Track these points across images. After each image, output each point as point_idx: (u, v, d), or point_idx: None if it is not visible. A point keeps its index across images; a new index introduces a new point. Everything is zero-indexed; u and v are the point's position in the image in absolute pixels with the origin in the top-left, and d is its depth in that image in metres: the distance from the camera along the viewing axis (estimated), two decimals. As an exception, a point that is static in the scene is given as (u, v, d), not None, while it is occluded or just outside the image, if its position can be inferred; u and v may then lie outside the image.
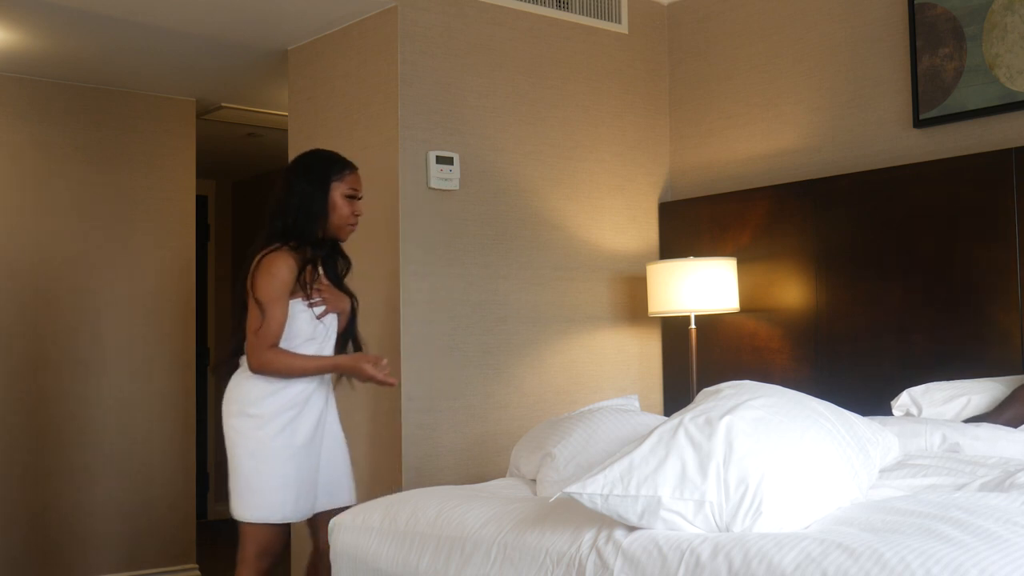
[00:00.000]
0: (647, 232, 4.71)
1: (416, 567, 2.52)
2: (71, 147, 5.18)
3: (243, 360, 3.12)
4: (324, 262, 3.20)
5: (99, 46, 4.61)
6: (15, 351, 4.99)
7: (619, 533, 2.14)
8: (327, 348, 3.19)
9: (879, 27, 4.06)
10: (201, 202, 6.93)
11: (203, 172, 6.39)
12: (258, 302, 3.02)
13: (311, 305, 3.10)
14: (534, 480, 3.10)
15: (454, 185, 4.10)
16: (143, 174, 5.39)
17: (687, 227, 4.62)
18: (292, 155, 4.53)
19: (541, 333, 4.33)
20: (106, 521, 5.16)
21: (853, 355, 3.98)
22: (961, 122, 3.80)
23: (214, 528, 6.97)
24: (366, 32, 4.21)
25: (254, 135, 6.17)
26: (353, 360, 3.14)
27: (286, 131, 4.73)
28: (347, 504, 3.23)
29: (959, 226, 3.71)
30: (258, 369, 3.04)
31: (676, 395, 4.60)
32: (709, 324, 4.42)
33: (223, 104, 5.59)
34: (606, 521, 2.19)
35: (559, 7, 4.46)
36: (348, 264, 3.30)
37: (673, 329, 4.61)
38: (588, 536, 2.20)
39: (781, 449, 2.12)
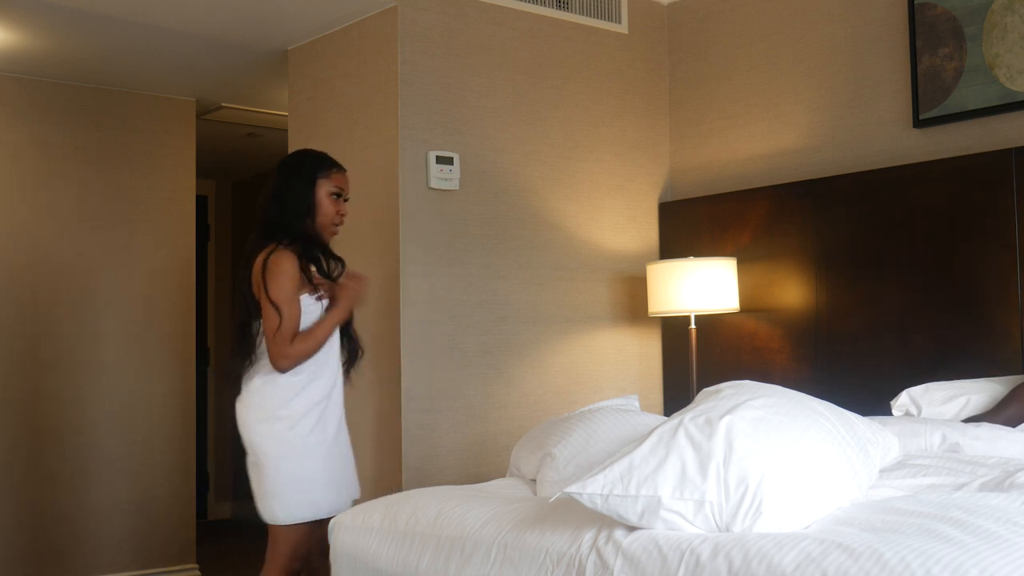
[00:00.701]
0: (647, 232, 4.71)
1: (416, 567, 2.52)
2: (71, 147, 5.18)
3: (260, 366, 3.12)
4: (315, 260, 3.23)
5: (99, 46, 4.61)
6: (15, 351, 4.99)
7: (619, 533, 2.14)
8: (336, 341, 3.23)
9: (879, 27, 4.06)
10: (201, 202, 6.93)
11: (203, 172, 6.39)
12: (274, 303, 3.03)
13: (319, 299, 3.13)
14: (534, 480, 3.10)
15: (454, 185, 4.10)
16: (143, 174, 5.39)
17: (687, 227, 4.62)
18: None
19: (541, 333, 4.33)
20: (106, 521, 5.16)
21: (853, 355, 3.98)
22: (961, 122, 3.80)
23: (214, 528, 6.97)
24: (366, 32, 4.21)
25: (254, 135, 6.17)
26: (343, 296, 3.15)
27: (286, 131, 4.73)
28: (357, 496, 3.29)
29: (959, 226, 3.71)
30: (289, 366, 3.05)
31: (676, 395, 4.60)
32: (709, 324, 4.42)
33: (223, 104, 5.59)
34: (606, 521, 2.19)
35: (559, 7, 4.46)
36: (341, 264, 3.30)
37: (673, 329, 4.61)
38: (588, 536, 2.20)
39: (781, 449, 2.12)
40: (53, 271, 5.10)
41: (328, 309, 3.16)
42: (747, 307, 4.34)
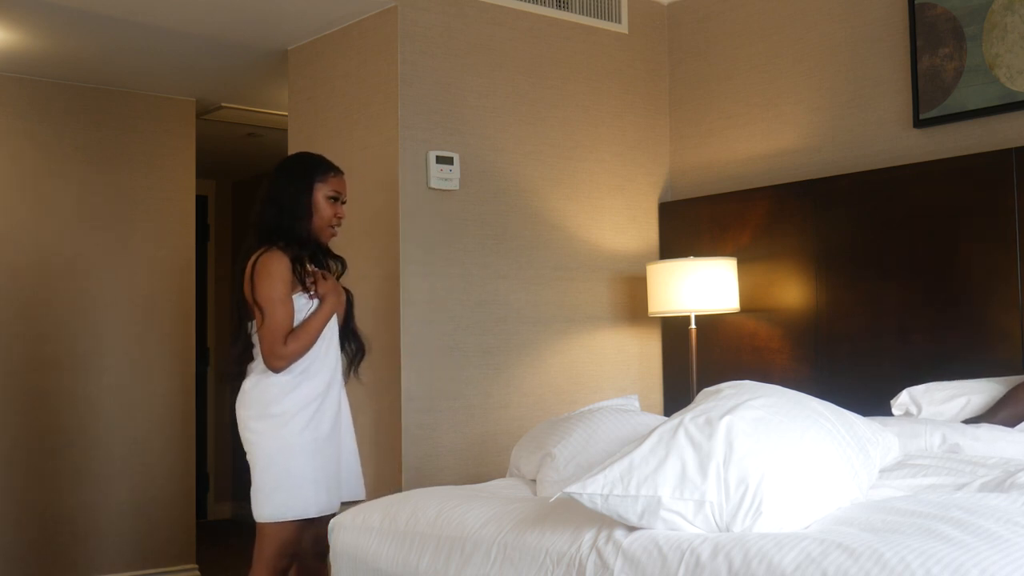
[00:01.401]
0: (647, 232, 4.71)
1: (416, 567, 2.52)
2: (71, 147, 5.18)
3: (254, 364, 3.13)
4: (313, 260, 3.24)
5: (99, 46, 4.61)
6: (15, 351, 4.99)
7: (619, 533, 2.14)
8: (334, 340, 3.22)
9: (879, 27, 4.06)
10: (201, 202, 6.93)
11: (203, 172, 6.39)
12: (260, 304, 3.04)
13: (312, 297, 3.13)
14: (534, 480, 3.10)
15: (454, 185, 4.10)
16: (143, 174, 5.39)
17: (687, 227, 4.62)
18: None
19: (541, 333, 4.33)
20: (106, 521, 5.16)
21: (853, 355, 3.98)
22: (961, 122, 3.80)
23: (214, 528, 6.97)
24: (366, 32, 4.21)
25: (254, 135, 6.17)
26: (330, 292, 3.16)
27: (286, 131, 4.73)
28: (359, 497, 3.28)
29: (959, 226, 3.71)
30: (283, 366, 3.06)
31: (676, 395, 4.60)
32: (709, 324, 4.42)
33: (223, 104, 5.59)
34: (606, 521, 2.19)
35: (559, 7, 4.46)
36: (342, 264, 3.32)
37: (673, 329, 4.61)
38: (588, 536, 2.20)
39: (781, 449, 2.12)
40: (53, 271, 5.10)
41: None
42: (747, 307, 4.34)
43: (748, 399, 2.26)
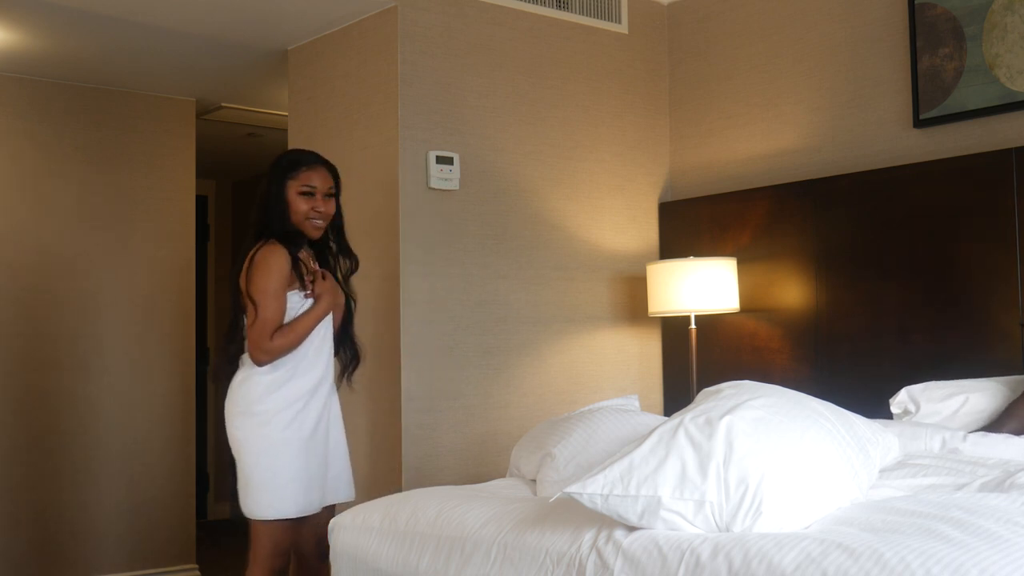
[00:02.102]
0: (647, 232, 4.71)
1: (416, 567, 2.52)
2: (71, 147, 5.18)
3: (243, 361, 3.13)
4: (320, 257, 3.25)
5: (99, 46, 4.61)
6: (15, 351, 4.99)
7: (619, 533, 2.14)
8: (326, 342, 3.21)
9: (879, 27, 4.06)
10: (201, 202, 6.93)
11: (203, 172, 6.39)
12: (251, 298, 3.05)
13: (308, 296, 3.13)
14: (534, 480, 3.10)
15: (454, 185, 4.10)
16: (143, 174, 5.39)
17: (687, 227, 4.62)
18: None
19: (541, 333, 4.33)
20: (106, 521, 5.16)
21: (853, 355, 3.98)
22: (961, 122, 3.80)
23: (214, 528, 6.97)
24: (366, 32, 4.21)
25: (254, 135, 6.17)
26: (326, 292, 3.15)
27: (286, 131, 4.73)
28: (347, 499, 3.26)
29: (959, 226, 3.71)
30: (267, 360, 3.06)
31: (676, 395, 4.60)
32: (709, 324, 4.42)
33: (223, 104, 5.59)
34: (606, 521, 2.19)
35: (559, 7, 4.46)
36: (353, 263, 3.32)
37: (673, 329, 4.61)
38: (588, 536, 2.20)
39: (781, 449, 2.12)
40: (53, 271, 5.10)
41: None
42: (747, 307, 4.34)
43: (748, 399, 2.26)
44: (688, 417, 2.20)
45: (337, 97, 4.35)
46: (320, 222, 3.20)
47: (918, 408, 3.31)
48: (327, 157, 3.29)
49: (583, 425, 3.06)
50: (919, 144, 3.92)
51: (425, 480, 3.90)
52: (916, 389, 3.37)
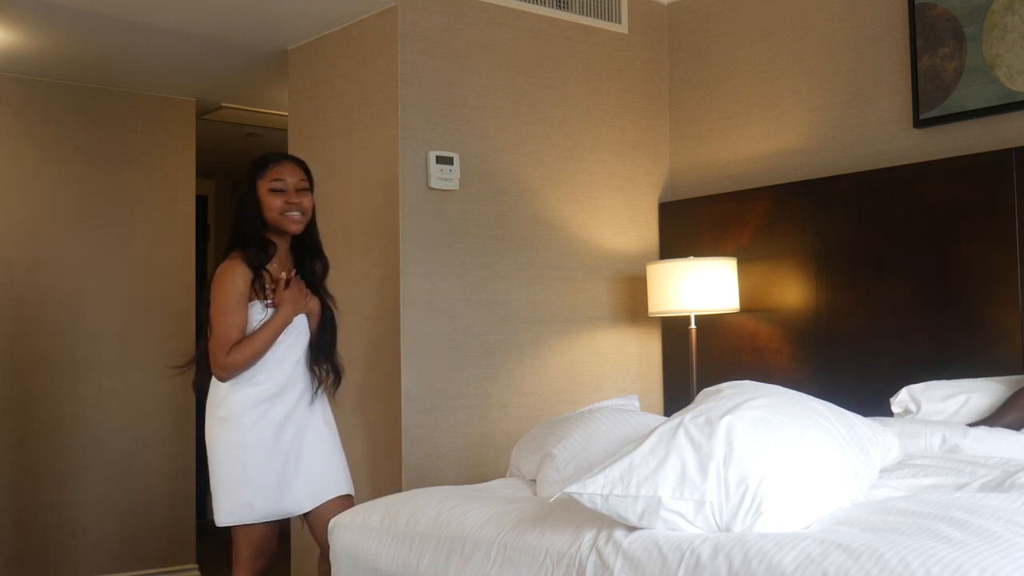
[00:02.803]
0: (647, 232, 4.71)
1: (416, 567, 2.52)
2: (71, 147, 5.18)
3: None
4: (298, 264, 3.21)
5: (99, 46, 4.61)
6: (15, 351, 4.99)
7: (619, 533, 2.14)
8: (295, 348, 3.16)
9: (879, 27, 4.06)
10: (201, 202, 6.92)
11: (203, 172, 6.38)
12: (210, 316, 3.06)
13: (269, 306, 3.09)
14: (534, 480, 3.10)
15: (454, 185, 4.10)
16: (143, 174, 5.39)
17: (687, 227, 4.62)
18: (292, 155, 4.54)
19: (541, 333, 4.33)
20: (106, 521, 5.16)
21: (853, 355, 3.98)
22: (961, 122, 3.80)
23: (214, 528, 6.96)
24: (366, 32, 4.21)
25: (254, 135, 6.17)
26: (285, 301, 3.10)
27: (286, 131, 4.73)
28: (336, 495, 3.20)
29: (959, 226, 3.71)
30: (227, 375, 3.05)
31: (676, 395, 4.60)
32: (709, 324, 4.42)
33: (223, 104, 5.59)
34: (606, 521, 2.19)
35: (559, 7, 4.46)
36: (324, 265, 3.27)
37: (673, 329, 4.61)
38: (588, 536, 2.20)
39: (781, 449, 2.12)
40: (53, 271, 5.10)
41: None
42: (747, 307, 4.34)
43: (748, 399, 2.26)
44: (688, 417, 2.20)
45: (337, 97, 4.35)
46: (297, 214, 3.15)
47: (919, 408, 3.31)
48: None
49: (583, 425, 3.06)
50: (919, 144, 3.92)
51: (425, 480, 3.90)
52: (917, 389, 3.37)
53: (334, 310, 3.28)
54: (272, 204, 3.13)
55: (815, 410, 2.37)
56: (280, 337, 3.11)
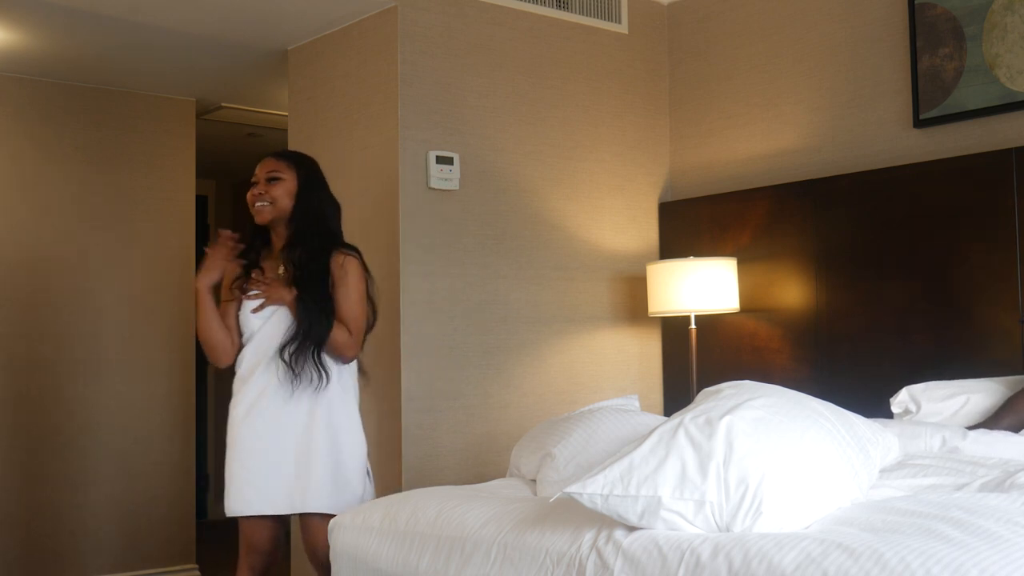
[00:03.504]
0: (647, 232, 4.71)
1: (416, 567, 2.52)
2: (71, 147, 5.18)
3: None
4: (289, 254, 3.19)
5: (99, 46, 4.61)
6: (14, 351, 4.99)
7: (619, 533, 2.14)
8: (256, 340, 3.16)
9: (879, 27, 4.06)
10: (201, 202, 6.92)
11: (203, 172, 6.38)
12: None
13: (246, 299, 3.17)
14: (534, 480, 3.10)
15: (454, 185, 4.10)
16: (143, 174, 5.39)
17: (687, 227, 4.62)
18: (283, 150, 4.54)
19: (541, 333, 4.33)
20: (106, 521, 5.16)
21: (853, 355, 3.98)
22: (961, 122, 3.80)
23: (214, 528, 6.96)
24: (366, 32, 4.21)
25: (254, 135, 6.17)
26: (201, 282, 3.15)
27: (286, 131, 4.73)
28: (315, 511, 3.13)
29: (959, 226, 3.71)
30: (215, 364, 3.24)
31: (676, 395, 4.60)
32: (709, 324, 4.42)
33: (223, 104, 5.59)
34: (606, 521, 2.19)
35: (559, 7, 4.46)
36: (301, 251, 3.15)
37: (673, 329, 4.61)
38: (588, 536, 2.20)
39: (781, 449, 2.12)
40: (53, 271, 5.10)
41: (256, 310, 3.17)
42: (747, 307, 4.34)
43: (748, 399, 2.26)
44: (688, 417, 2.20)
45: (337, 97, 4.35)
46: (260, 204, 3.16)
47: (919, 408, 3.31)
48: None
49: (583, 425, 3.06)
50: (919, 144, 3.92)
51: (425, 480, 3.90)
52: (917, 389, 3.37)
53: (313, 300, 3.10)
54: (249, 199, 3.21)
55: (815, 410, 2.37)
56: (249, 329, 3.17)
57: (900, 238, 3.87)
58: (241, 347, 3.19)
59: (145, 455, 5.31)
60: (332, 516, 2.97)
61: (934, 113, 3.85)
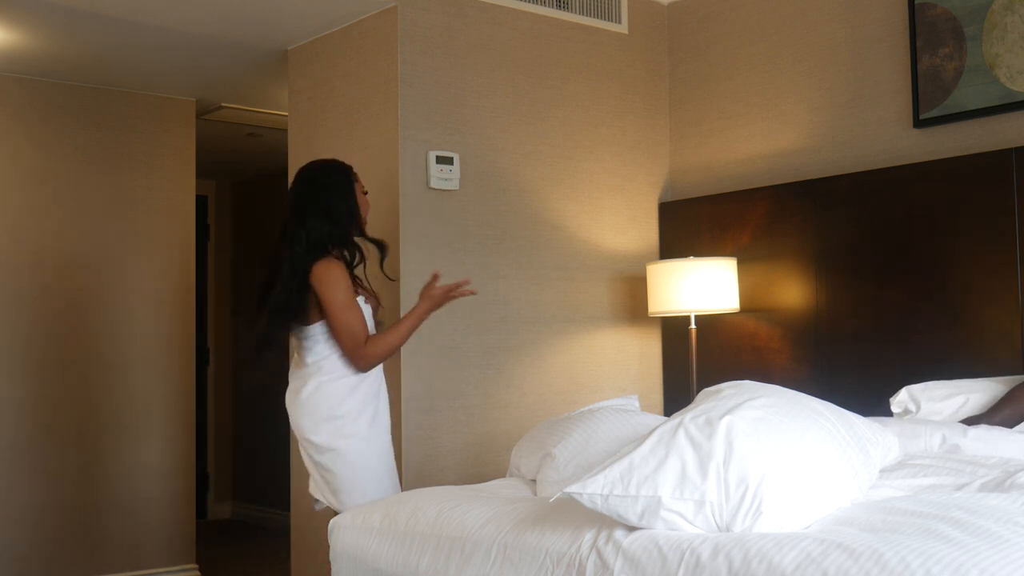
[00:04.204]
0: (647, 232, 4.71)
1: (416, 567, 2.52)
2: (71, 147, 5.18)
3: (318, 370, 3.23)
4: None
5: (99, 46, 4.61)
6: (14, 351, 4.99)
7: (619, 533, 2.14)
8: None
9: (879, 27, 4.06)
10: (201, 202, 6.93)
11: (203, 172, 6.39)
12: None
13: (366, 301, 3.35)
14: (534, 480, 3.10)
15: (454, 185, 4.10)
16: (143, 174, 5.39)
17: (687, 227, 4.62)
18: (292, 155, 4.54)
19: (541, 333, 4.33)
20: (106, 521, 5.16)
21: (853, 355, 3.98)
22: (961, 122, 3.80)
23: (214, 528, 6.97)
24: (366, 32, 4.21)
25: (254, 135, 6.17)
26: (427, 297, 3.35)
27: (286, 131, 4.73)
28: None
29: (959, 226, 3.71)
30: (367, 367, 3.26)
31: (676, 395, 4.60)
32: (709, 324, 4.42)
33: (223, 104, 5.59)
34: (606, 521, 2.19)
35: (559, 7, 4.46)
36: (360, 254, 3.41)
37: (673, 329, 4.61)
38: (588, 536, 2.20)
39: (781, 449, 2.12)
40: (53, 271, 5.10)
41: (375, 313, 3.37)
42: (747, 307, 4.34)
43: (748, 399, 2.26)
44: (688, 417, 2.20)
45: (337, 97, 4.35)
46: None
47: (919, 407, 3.31)
48: (327, 157, 3.30)
49: (583, 425, 3.06)
50: (919, 144, 3.92)
51: (425, 480, 3.90)
52: (917, 388, 3.37)
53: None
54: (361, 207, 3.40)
55: (815, 410, 2.37)
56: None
57: (900, 238, 3.87)
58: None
59: (145, 455, 5.31)
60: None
61: (934, 113, 3.85)
